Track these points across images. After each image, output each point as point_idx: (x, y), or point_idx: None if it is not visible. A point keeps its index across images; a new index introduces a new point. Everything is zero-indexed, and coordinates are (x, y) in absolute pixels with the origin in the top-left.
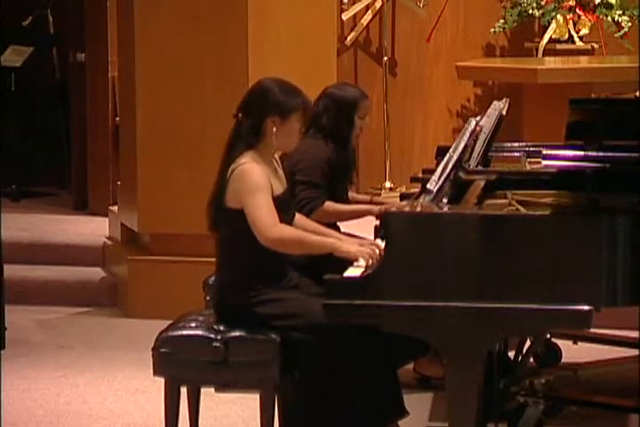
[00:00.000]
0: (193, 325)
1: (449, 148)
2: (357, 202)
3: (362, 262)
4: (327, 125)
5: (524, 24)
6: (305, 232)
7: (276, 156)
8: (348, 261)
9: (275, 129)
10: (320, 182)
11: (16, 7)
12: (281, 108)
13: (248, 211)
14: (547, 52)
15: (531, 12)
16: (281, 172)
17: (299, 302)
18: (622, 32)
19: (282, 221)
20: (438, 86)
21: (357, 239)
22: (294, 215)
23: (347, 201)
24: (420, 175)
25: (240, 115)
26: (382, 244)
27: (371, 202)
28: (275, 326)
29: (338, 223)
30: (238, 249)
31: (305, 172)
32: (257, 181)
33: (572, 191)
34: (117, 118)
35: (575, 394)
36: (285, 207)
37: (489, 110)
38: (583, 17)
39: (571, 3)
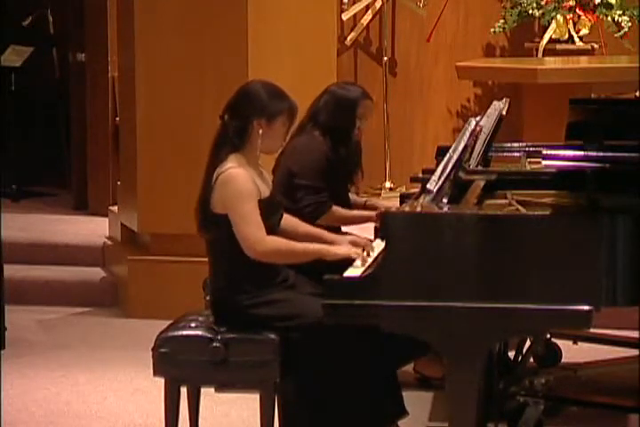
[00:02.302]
0: (193, 325)
1: (449, 148)
2: (355, 204)
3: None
4: (325, 121)
5: (524, 24)
6: (292, 242)
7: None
8: (349, 262)
9: (260, 131)
10: (322, 186)
11: (16, 7)
12: (267, 110)
13: (234, 221)
14: (547, 52)
15: (531, 12)
16: (266, 174)
17: (296, 303)
18: (622, 32)
19: (268, 224)
20: (438, 86)
21: (351, 237)
22: (282, 217)
23: (348, 202)
24: (420, 175)
25: (226, 116)
26: (382, 244)
27: (365, 205)
28: (274, 327)
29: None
30: (227, 252)
31: (304, 175)
32: (242, 189)
33: (572, 191)
34: (117, 118)
35: (575, 394)
36: (272, 210)
37: (489, 110)
38: (583, 17)
39: (571, 3)
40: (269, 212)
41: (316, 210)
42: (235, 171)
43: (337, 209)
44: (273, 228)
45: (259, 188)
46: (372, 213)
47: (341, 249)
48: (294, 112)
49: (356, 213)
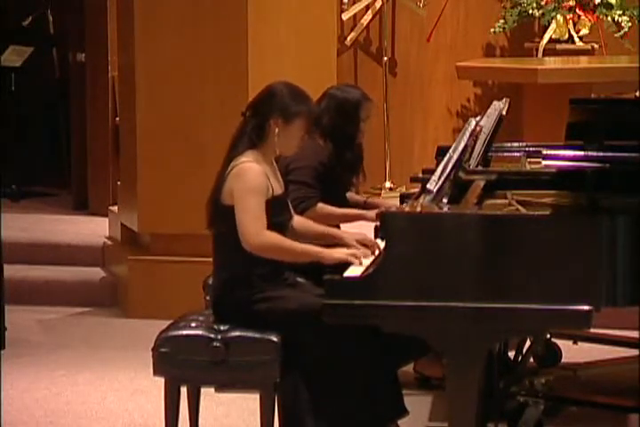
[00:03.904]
0: (193, 325)
1: (449, 148)
2: (354, 202)
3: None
4: (327, 125)
5: (523, 24)
6: (290, 240)
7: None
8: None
9: (277, 130)
10: (313, 183)
11: (16, 7)
12: (286, 110)
13: (236, 213)
14: (547, 52)
15: (531, 12)
16: (279, 174)
17: (297, 301)
18: (622, 32)
19: (278, 223)
20: (438, 86)
21: (360, 236)
22: (291, 216)
23: (344, 202)
24: (420, 175)
25: (247, 113)
26: (382, 244)
27: (365, 203)
28: (273, 324)
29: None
30: (233, 246)
31: (298, 172)
32: (251, 183)
33: (572, 191)
34: (117, 118)
35: (575, 394)
36: (282, 209)
37: (489, 110)
38: (583, 17)
39: (571, 3)
40: (278, 210)
41: (299, 204)
42: (248, 164)
43: (324, 206)
44: (281, 227)
45: (270, 184)
46: (363, 212)
47: (339, 253)
48: (313, 116)
49: (345, 210)
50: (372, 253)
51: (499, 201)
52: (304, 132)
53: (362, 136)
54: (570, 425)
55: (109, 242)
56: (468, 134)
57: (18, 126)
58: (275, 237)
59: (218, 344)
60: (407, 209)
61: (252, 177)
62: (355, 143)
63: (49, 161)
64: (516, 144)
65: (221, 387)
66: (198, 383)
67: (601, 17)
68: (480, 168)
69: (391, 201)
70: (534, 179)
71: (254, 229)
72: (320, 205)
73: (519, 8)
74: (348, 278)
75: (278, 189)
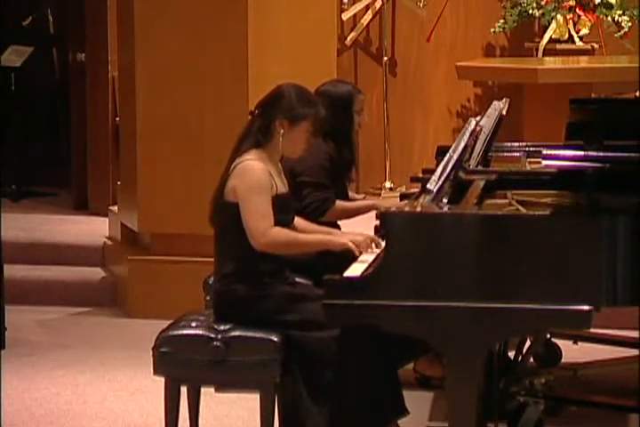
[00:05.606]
0: (193, 324)
1: (449, 148)
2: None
3: (365, 257)
4: (325, 123)
5: (523, 24)
6: (295, 233)
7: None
8: (348, 262)
9: (282, 132)
10: (326, 182)
11: (16, 7)
12: (292, 113)
13: (242, 212)
14: (547, 52)
15: (531, 12)
16: (283, 174)
17: (297, 299)
18: (622, 32)
19: (282, 221)
20: (438, 86)
21: (356, 233)
22: (294, 216)
23: (347, 197)
24: (420, 175)
25: (255, 112)
26: (383, 244)
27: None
28: (274, 322)
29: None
30: (236, 241)
31: (309, 172)
32: (256, 181)
33: (572, 191)
34: (117, 118)
35: (575, 394)
36: (286, 208)
37: (489, 110)
38: (583, 17)
39: (571, 3)
40: (281, 208)
41: (320, 206)
42: (252, 163)
43: (340, 203)
44: (284, 225)
45: (275, 183)
46: (374, 203)
47: (345, 239)
48: (319, 120)
49: (358, 203)
50: (370, 243)
51: (499, 201)
52: (309, 136)
53: (358, 128)
54: (570, 425)
55: (109, 242)
56: (467, 134)
57: (18, 126)
58: (281, 234)
59: (218, 344)
60: (407, 209)
61: (256, 175)
62: (352, 138)
63: (49, 161)
64: (516, 144)
65: (221, 387)
66: (198, 383)
67: (601, 17)
68: (480, 168)
69: (391, 201)
70: (534, 179)
71: (261, 229)
72: (337, 202)
73: (519, 8)
74: (348, 278)
75: (282, 188)
